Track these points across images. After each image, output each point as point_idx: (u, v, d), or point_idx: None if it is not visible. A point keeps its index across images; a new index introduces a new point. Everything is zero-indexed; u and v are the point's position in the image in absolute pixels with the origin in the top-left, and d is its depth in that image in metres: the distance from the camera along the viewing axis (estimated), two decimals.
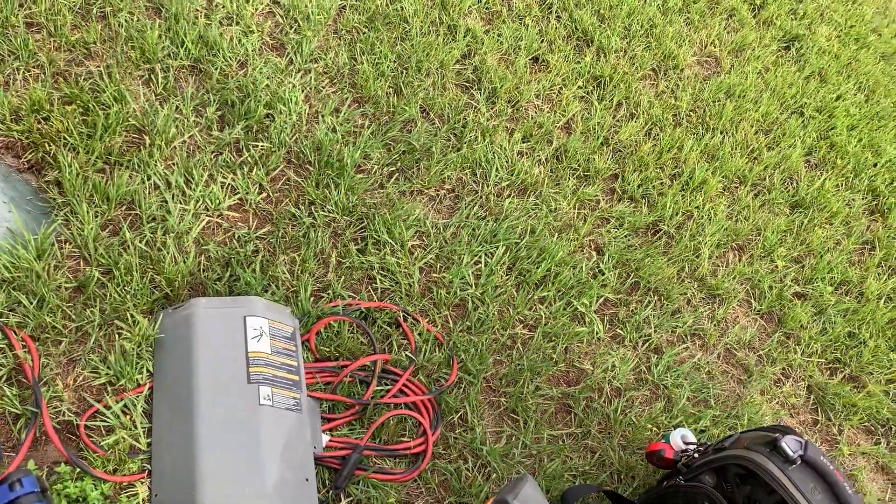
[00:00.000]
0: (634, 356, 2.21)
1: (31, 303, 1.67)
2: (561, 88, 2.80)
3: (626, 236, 2.48)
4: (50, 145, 1.90)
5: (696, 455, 1.75)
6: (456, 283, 2.10)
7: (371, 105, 2.40)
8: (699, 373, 2.25)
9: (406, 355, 1.94)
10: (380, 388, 1.86)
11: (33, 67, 2.03)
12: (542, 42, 2.89)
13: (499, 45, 2.80)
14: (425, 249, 2.15)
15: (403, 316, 1.99)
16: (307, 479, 1.64)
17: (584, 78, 2.87)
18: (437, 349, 1.98)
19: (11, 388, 1.57)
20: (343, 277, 2.01)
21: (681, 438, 1.86)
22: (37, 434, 1.54)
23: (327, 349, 1.88)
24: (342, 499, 1.68)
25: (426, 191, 2.30)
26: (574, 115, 2.74)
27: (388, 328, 1.97)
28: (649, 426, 2.06)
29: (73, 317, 1.70)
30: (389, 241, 2.10)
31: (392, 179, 2.26)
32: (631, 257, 2.41)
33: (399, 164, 2.30)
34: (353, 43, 2.53)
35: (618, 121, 2.82)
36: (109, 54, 2.14)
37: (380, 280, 2.04)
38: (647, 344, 2.26)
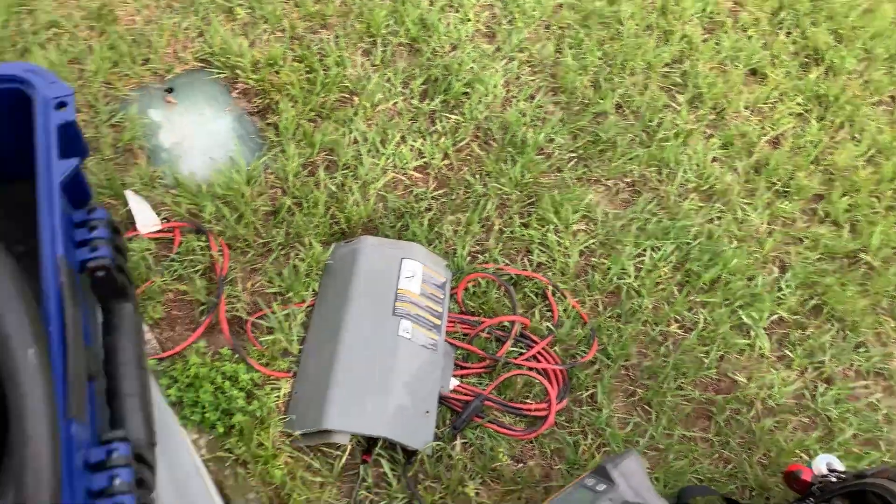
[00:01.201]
0: (800, 380, 2.05)
1: (233, 217, 1.97)
2: (776, 103, 2.67)
3: (817, 259, 2.30)
4: (276, 95, 2.23)
5: (833, 480, 1.60)
6: (614, 271, 2.10)
7: (566, 95, 2.48)
8: (875, 413, 2.03)
9: (547, 326, 1.98)
10: (514, 349, 1.92)
11: (277, 31, 2.39)
12: (764, 55, 2.78)
13: (715, 54, 2.74)
14: (589, 234, 2.18)
15: (553, 290, 2.04)
16: (427, 412, 1.75)
17: (804, 95, 2.70)
18: (579, 327, 2.00)
19: (202, 281, 1.87)
20: (501, 245, 2.10)
21: (825, 465, 1.70)
22: (213, 321, 1.82)
23: (472, 304, 1.98)
24: (457, 439, 1.77)
25: (604, 181, 2.33)
26: (785, 130, 2.60)
27: (535, 298, 2.03)
28: (798, 452, 1.90)
29: (263, 234, 1.98)
30: (555, 220, 2.16)
31: (570, 164, 2.32)
32: (819, 280, 2.23)
33: (581, 152, 2.36)
34: (562, 38, 2.63)
35: (835, 142, 2.62)
36: (340, 26, 2.44)
37: (537, 254, 2.11)
38: (819, 372, 2.08)
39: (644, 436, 1.87)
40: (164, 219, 1.96)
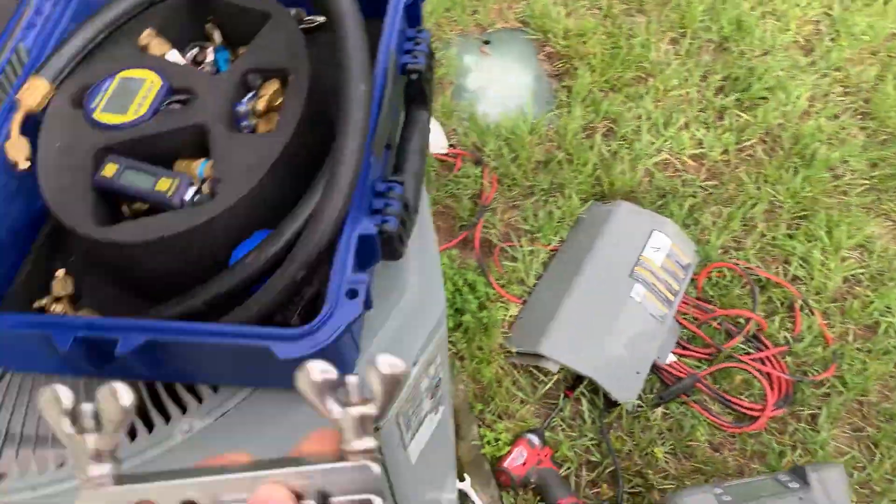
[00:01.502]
0: None
1: (509, 156, 2.16)
2: None
3: None
4: (577, 62, 2.38)
5: None
6: (877, 306, 1.96)
7: (875, 122, 2.33)
8: None
9: (784, 336, 1.91)
10: (741, 346, 1.88)
11: (594, 7, 2.54)
12: None
13: None
14: (860, 264, 2.05)
15: (801, 304, 1.96)
16: (638, 373, 1.80)
17: None
18: (820, 347, 1.90)
19: (469, 203, 2.08)
20: (759, 246, 2.06)
21: None
22: (468, 237, 2.03)
23: (711, 293, 1.97)
24: (659, 408, 1.79)
25: (893, 217, 2.16)
26: None
27: (778, 305, 1.97)
28: None
29: (530, 178, 2.15)
30: (825, 239, 2.06)
31: (860, 191, 2.19)
32: None
33: (876, 182, 2.21)
34: (889, 66, 2.47)
35: None
36: (655, 14, 2.53)
37: (795, 266, 2.03)
38: None
39: (861, 471, 1.74)
40: (451, 145, 2.21)
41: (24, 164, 0.71)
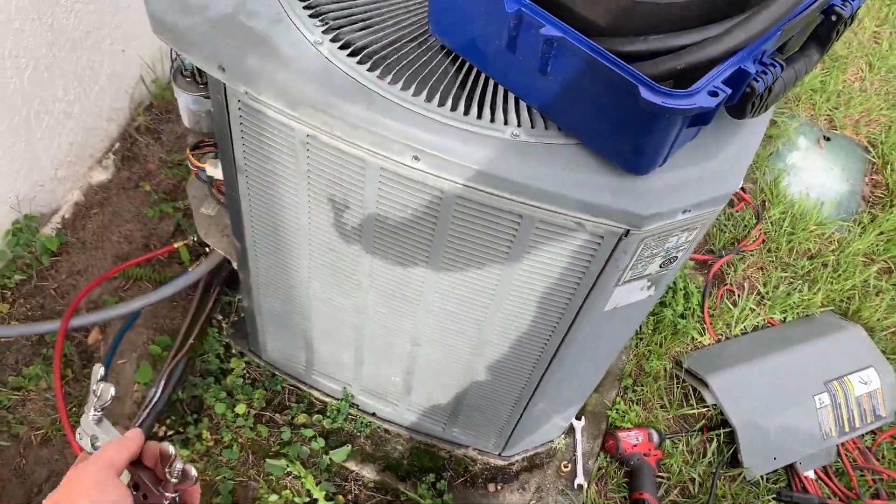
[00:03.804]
0: None
1: (786, 228, 2.22)
2: None
3: None
4: None
5: None
6: None
7: None
8: None
9: None
10: None
11: None
12: None
13: None
14: None
15: None
16: (775, 459, 1.81)
17: None
18: None
19: (727, 238, 2.17)
20: None
21: None
22: (707, 262, 2.12)
23: (886, 454, 1.92)
24: (772, 502, 1.80)
25: None
26: None
27: None
28: None
29: (791, 256, 2.19)
30: None
31: None
32: None
33: None
34: None
35: None
36: None
37: None
38: None
39: None
40: (742, 188, 2.30)
41: None
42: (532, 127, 0.95)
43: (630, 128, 0.86)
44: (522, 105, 0.98)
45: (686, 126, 0.86)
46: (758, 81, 0.85)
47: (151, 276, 1.80)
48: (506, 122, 0.95)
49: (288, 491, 1.56)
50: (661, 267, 1.08)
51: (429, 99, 0.96)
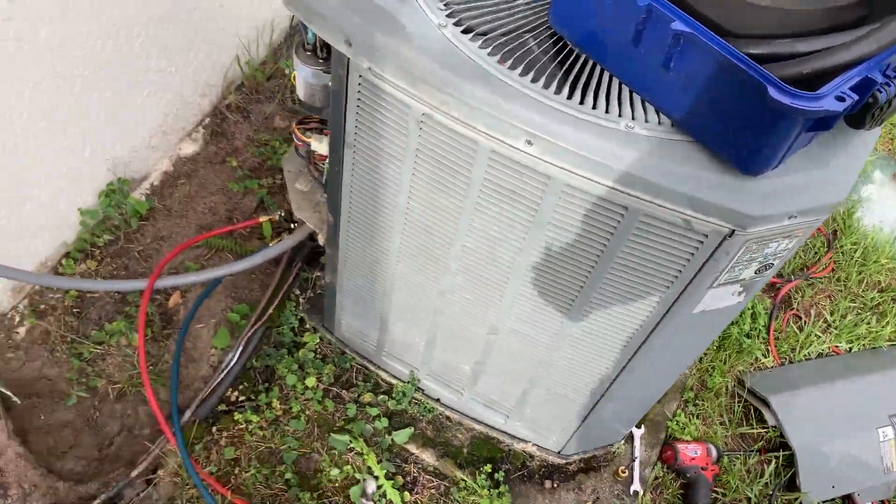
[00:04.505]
0: None
1: (856, 259, 2.19)
2: None
3: None
4: None
5: None
6: None
7: None
8: None
9: None
10: None
11: None
12: None
13: None
14: None
15: None
16: (833, 487, 1.80)
17: None
18: None
19: (794, 264, 2.15)
20: None
21: None
22: (774, 286, 2.11)
23: None
24: None
25: None
26: None
27: None
28: None
29: (861, 288, 2.16)
30: None
31: None
32: None
33: None
34: None
35: None
36: None
37: None
38: None
39: None
40: None
41: None
42: (646, 121, 0.97)
43: (751, 127, 0.87)
44: (637, 99, 1.00)
45: (805, 130, 0.87)
46: (881, 92, 0.86)
47: (232, 247, 1.85)
48: (620, 114, 0.97)
49: (349, 466, 1.60)
50: (755, 273, 1.09)
51: (546, 86, 0.98)
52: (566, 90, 0.99)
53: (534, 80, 0.99)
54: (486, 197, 1.09)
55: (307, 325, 1.77)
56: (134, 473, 1.54)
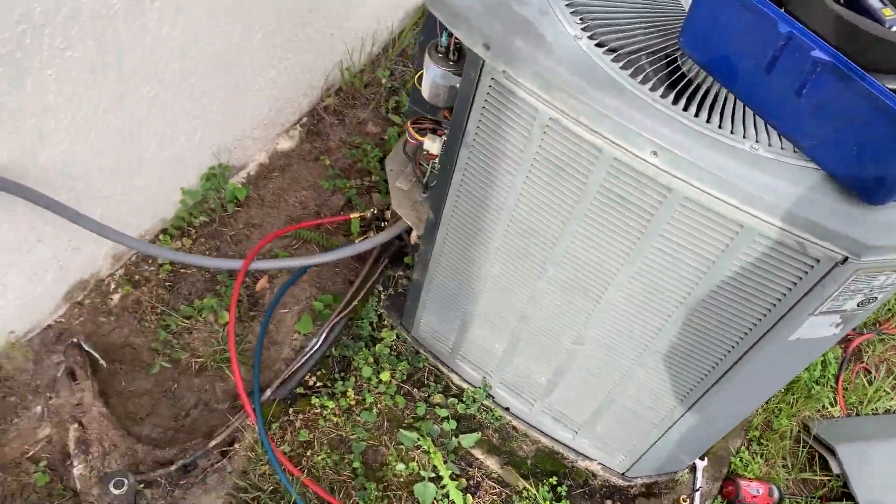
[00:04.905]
0: None
1: None
2: None
3: None
4: None
5: None
6: None
7: None
8: None
9: None
10: None
11: None
12: None
13: None
14: None
15: None
16: None
17: None
18: None
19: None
20: None
21: None
22: (848, 337, 2.10)
23: None
24: None
25: None
26: None
27: None
28: None
29: None
30: None
31: None
32: None
33: None
34: None
35: None
36: None
37: None
38: None
39: None
40: None
41: None
42: (769, 144, 1.01)
43: (880, 157, 0.90)
44: (760, 123, 1.04)
45: None
46: None
47: (319, 240, 1.92)
48: (745, 136, 1.01)
49: (415, 463, 1.63)
50: (858, 305, 1.11)
51: (675, 102, 1.03)
52: (694, 107, 1.03)
53: (663, 96, 1.03)
54: (600, 204, 1.13)
55: (385, 322, 1.82)
56: (211, 444, 1.59)
